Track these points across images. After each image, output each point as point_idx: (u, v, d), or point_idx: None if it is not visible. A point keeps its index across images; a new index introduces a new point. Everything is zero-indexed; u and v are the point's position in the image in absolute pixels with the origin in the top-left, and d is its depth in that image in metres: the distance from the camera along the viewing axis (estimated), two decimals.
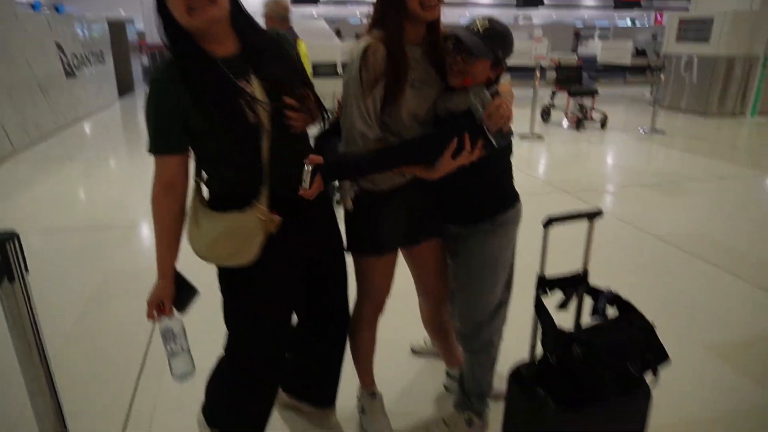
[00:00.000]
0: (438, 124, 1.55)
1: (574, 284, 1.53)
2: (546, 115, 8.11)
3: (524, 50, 8.26)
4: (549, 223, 1.46)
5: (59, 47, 7.47)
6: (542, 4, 13.80)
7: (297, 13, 22.25)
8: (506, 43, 1.49)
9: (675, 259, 3.37)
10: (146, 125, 1.31)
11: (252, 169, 1.32)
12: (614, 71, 11.50)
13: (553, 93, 8.09)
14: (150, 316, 1.40)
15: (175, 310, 1.44)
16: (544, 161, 6.24)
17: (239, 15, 1.33)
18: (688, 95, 9.10)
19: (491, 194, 1.61)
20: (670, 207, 4.45)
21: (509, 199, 1.65)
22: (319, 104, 1.46)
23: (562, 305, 1.54)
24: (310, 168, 1.32)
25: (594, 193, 4.78)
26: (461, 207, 1.62)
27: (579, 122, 7.65)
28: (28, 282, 1.35)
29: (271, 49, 1.38)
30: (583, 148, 6.91)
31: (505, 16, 27.69)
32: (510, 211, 1.63)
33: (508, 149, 1.59)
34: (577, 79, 8.06)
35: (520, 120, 7.33)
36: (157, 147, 1.30)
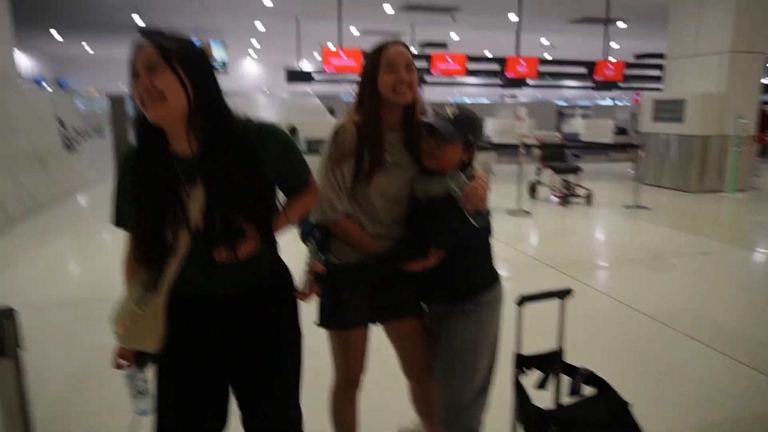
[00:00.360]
0: (416, 206, 1.65)
1: (551, 362, 1.58)
2: (533, 191, 8.36)
3: (508, 129, 8.67)
4: (522, 302, 1.54)
5: (60, 121, 7.74)
6: (526, 84, 14.53)
7: (292, 90, 23.21)
8: (475, 127, 1.62)
9: (661, 334, 3.41)
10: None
11: (158, 269, 1.29)
12: (598, 148, 11.98)
13: (539, 170, 8.39)
14: (115, 365, 1.42)
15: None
16: (531, 237, 6.38)
17: (201, 113, 1.22)
18: (669, 172, 9.45)
19: (472, 274, 1.68)
20: (656, 282, 4.54)
21: (490, 278, 1.71)
22: (265, 226, 1.33)
23: (541, 384, 1.59)
24: (312, 277, 1.41)
25: (580, 267, 4.87)
26: (442, 287, 1.67)
27: (565, 198, 7.89)
28: (21, 359, 1.38)
29: (231, 155, 1.25)
30: (570, 224, 7.09)
31: (491, 94, 28.99)
32: (491, 291, 1.68)
33: (487, 230, 1.68)
34: (560, 156, 8.39)
35: (508, 196, 7.60)
36: (115, 220, 1.36)
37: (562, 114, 16.28)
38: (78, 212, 7.19)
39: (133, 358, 1.42)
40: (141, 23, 15.78)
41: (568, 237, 6.44)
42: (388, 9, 13.81)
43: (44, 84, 22.61)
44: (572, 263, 4.97)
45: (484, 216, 1.54)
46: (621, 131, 15.05)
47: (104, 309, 3.81)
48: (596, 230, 6.80)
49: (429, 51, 15.78)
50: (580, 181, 8.26)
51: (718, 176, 9.09)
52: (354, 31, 16.76)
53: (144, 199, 1.26)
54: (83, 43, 21.61)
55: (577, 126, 14.42)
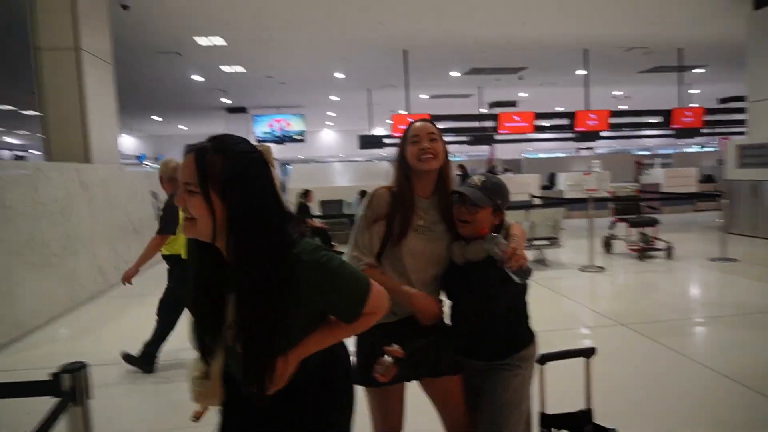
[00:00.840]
0: (453, 270, 1.75)
1: (579, 422, 1.57)
2: (607, 246, 8.05)
3: (580, 182, 8.51)
4: (543, 361, 1.55)
5: (153, 195, 8.57)
6: (599, 137, 14.24)
7: (366, 154, 24.12)
8: (502, 192, 1.75)
9: (748, 401, 3.13)
10: None
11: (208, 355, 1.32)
12: (678, 198, 11.37)
13: (612, 223, 8.10)
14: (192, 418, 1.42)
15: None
16: (603, 293, 6.12)
17: (232, 233, 1.19)
18: (761, 220, 8.78)
19: (514, 332, 1.74)
20: (744, 342, 4.15)
21: (529, 335, 1.76)
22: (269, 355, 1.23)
23: None
24: (392, 360, 1.48)
25: (655, 326, 4.59)
26: (487, 344, 1.73)
27: (642, 252, 7.53)
28: (88, 407, 1.59)
29: (261, 278, 1.18)
30: (646, 279, 6.73)
31: (566, 147, 28.47)
32: (529, 348, 1.73)
33: (524, 289, 1.74)
34: (635, 209, 8.08)
35: (580, 252, 7.37)
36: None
37: (640, 164, 15.66)
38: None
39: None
40: (228, 102, 17.33)
41: (643, 293, 6.10)
42: (455, 74, 14.30)
43: (145, 160, 25.10)
44: (647, 321, 4.70)
45: (526, 272, 1.61)
46: (707, 179, 14.20)
47: (182, 368, 4.08)
48: (676, 285, 6.40)
49: (497, 110, 15.98)
50: (660, 234, 7.87)
51: None
52: (424, 96, 17.41)
53: (196, 292, 1.29)
54: (180, 125, 23.94)
55: (657, 176, 13.79)
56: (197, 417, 1.41)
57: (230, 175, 1.17)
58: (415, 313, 1.71)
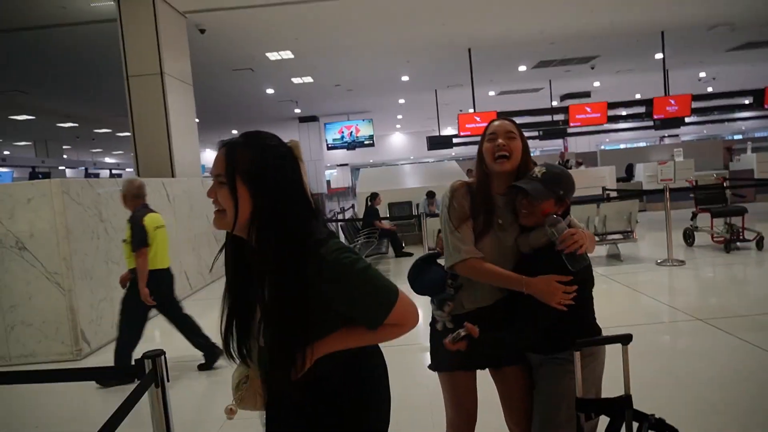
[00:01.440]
0: (521, 260, 1.78)
1: (617, 408, 1.59)
2: (688, 238, 7.62)
3: (654, 174, 8.09)
4: (578, 347, 1.59)
5: None
6: (684, 123, 13.39)
7: (435, 154, 24.14)
8: (563, 183, 1.74)
9: None
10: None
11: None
12: None
13: (694, 214, 7.65)
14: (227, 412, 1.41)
15: None
16: (681, 287, 5.82)
17: (255, 227, 1.23)
18: None
19: (574, 325, 1.70)
20: None
21: (593, 331, 1.74)
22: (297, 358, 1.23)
23: (610, 429, 1.60)
24: (464, 334, 1.59)
25: (737, 321, 4.33)
26: (544, 337, 1.71)
27: (728, 244, 7.06)
28: (167, 389, 1.82)
29: (279, 274, 1.21)
30: (730, 272, 6.33)
31: (648, 137, 26.96)
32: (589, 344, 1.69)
33: (589, 283, 1.74)
34: (719, 198, 7.58)
35: (659, 245, 7.02)
36: None
37: (730, 150, 14.58)
38: None
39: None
40: (299, 112, 18.02)
41: (725, 287, 5.74)
42: (522, 68, 14.04)
43: None
44: (725, 316, 4.44)
45: (579, 260, 1.64)
46: None
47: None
48: (763, 278, 5.96)
49: (568, 102, 15.49)
50: (751, 223, 7.35)
51: None
52: (492, 92, 17.20)
53: (230, 291, 1.35)
54: None
55: (748, 161, 12.80)
56: (230, 414, 1.38)
57: (257, 168, 1.22)
58: (540, 298, 1.66)
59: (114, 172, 27.05)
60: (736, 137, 24.48)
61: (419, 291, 1.89)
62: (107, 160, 29.36)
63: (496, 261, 1.77)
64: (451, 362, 1.85)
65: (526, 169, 1.80)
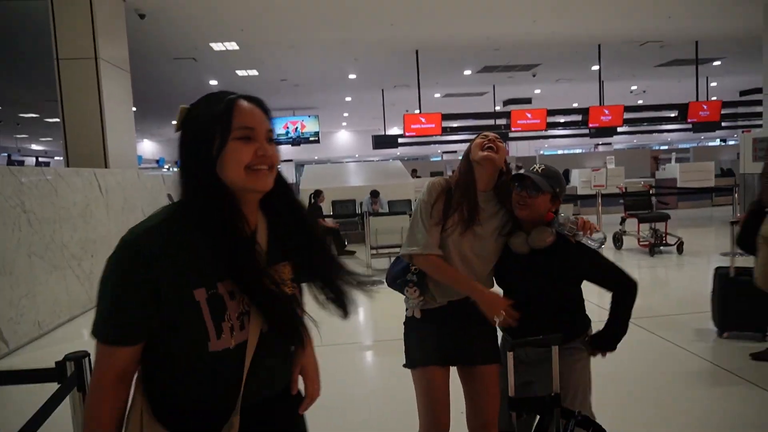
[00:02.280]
0: (511, 260, 1.85)
1: (546, 406, 1.65)
2: (617, 241, 8.03)
3: (588, 180, 8.50)
4: (512, 348, 1.64)
5: (170, 198, 8.82)
6: (616, 133, 14.10)
7: (380, 153, 24.24)
8: (560, 181, 1.85)
9: (747, 391, 3.19)
10: (99, 299, 1.02)
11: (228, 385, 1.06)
12: (695, 192, 11.26)
13: (623, 219, 8.08)
14: None
15: None
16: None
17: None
18: None
19: (573, 317, 1.90)
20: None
21: (587, 321, 1.93)
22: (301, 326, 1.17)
23: (538, 428, 1.66)
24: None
25: (659, 320, 4.62)
26: (547, 331, 1.74)
27: (652, 248, 7.50)
28: None
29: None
30: (654, 274, 6.72)
31: (584, 144, 28.20)
32: (588, 331, 1.91)
33: (579, 279, 1.91)
34: (645, 204, 8.04)
35: None
36: (108, 333, 1.02)
37: (657, 159, 15.49)
38: None
39: None
40: None
41: (650, 289, 6.10)
42: (467, 72, 14.33)
43: (164, 164, 25.59)
44: (650, 315, 4.73)
45: (601, 239, 1.78)
46: (726, 173, 14.00)
47: None
48: (681, 280, 6.38)
49: (511, 108, 15.97)
50: (674, 229, 7.83)
51: None
52: (437, 95, 17.46)
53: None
54: None
55: (672, 171, 13.64)
56: None
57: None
58: (482, 309, 1.75)
59: (41, 159, 25.46)
60: (662, 147, 26.03)
61: (389, 283, 1.92)
62: (34, 146, 27.60)
63: (474, 257, 1.81)
64: (427, 357, 1.85)
65: (508, 174, 1.87)
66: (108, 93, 7.09)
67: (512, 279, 1.87)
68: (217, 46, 10.43)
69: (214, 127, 1.04)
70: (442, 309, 1.83)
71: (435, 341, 1.83)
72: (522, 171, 1.80)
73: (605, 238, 1.80)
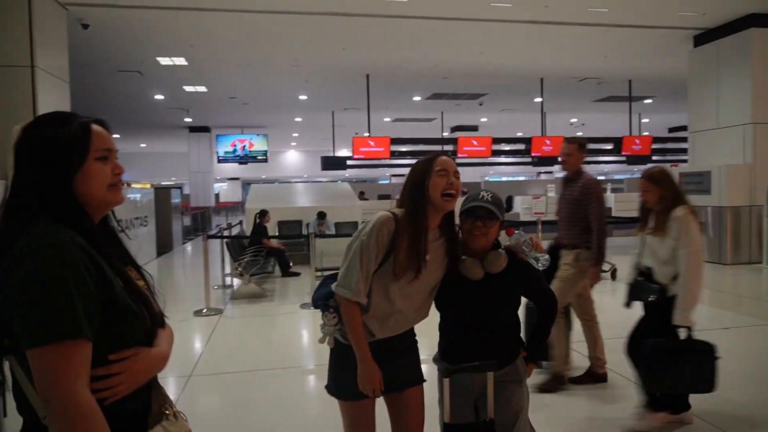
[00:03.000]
0: (458, 286, 1.86)
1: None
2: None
3: (529, 206, 8.83)
4: (448, 374, 1.67)
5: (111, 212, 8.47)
6: (557, 162, 14.71)
7: (328, 174, 24.25)
8: (503, 206, 1.94)
9: None
10: (46, 304, 0.98)
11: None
12: (627, 222, 11.84)
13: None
14: None
15: None
16: None
17: None
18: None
19: (515, 339, 1.95)
20: None
21: (521, 343, 1.97)
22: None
23: None
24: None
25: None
26: (494, 355, 1.79)
27: None
28: (4, 424, 1.62)
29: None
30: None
31: (528, 171, 29.24)
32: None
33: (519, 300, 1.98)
34: None
35: None
36: (79, 328, 1.00)
37: None
38: None
39: None
40: (190, 121, 17.25)
41: None
42: (417, 98, 14.65)
43: None
44: (584, 340, 4.90)
45: (545, 259, 1.88)
46: None
47: None
48: (613, 306, 6.66)
49: (458, 134, 16.41)
50: (608, 257, 8.18)
51: (758, 247, 8.82)
52: (387, 119, 17.71)
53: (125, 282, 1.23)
54: (140, 143, 23.57)
55: (608, 200, 14.35)
56: None
57: None
58: (359, 377, 1.75)
59: None
60: (599, 178, 27.35)
61: (314, 303, 1.90)
62: None
63: (415, 297, 1.82)
64: (355, 391, 1.80)
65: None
66: (44, 103, 6.78)
67: (461, 304, 1.88)
68: (164, 61, 10.22)
69: (71, 148, 1.11)
70: (378, 341, 1.80)
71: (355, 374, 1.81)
72: (473, 203, 1.84)
73: (548, 260, 1.91)
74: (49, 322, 0.97)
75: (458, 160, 14.95)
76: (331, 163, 15.18)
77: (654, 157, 15.47)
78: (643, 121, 18.78)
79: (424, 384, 1.92)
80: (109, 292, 1.07)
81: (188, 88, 12.57)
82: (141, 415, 1.12)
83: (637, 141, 13.84)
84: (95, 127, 1.17)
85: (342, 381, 1.83)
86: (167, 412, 1.16)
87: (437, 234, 1.84)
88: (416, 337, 1.96)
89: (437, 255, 1.82)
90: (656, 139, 14.60)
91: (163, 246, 12.29)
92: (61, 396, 0.96)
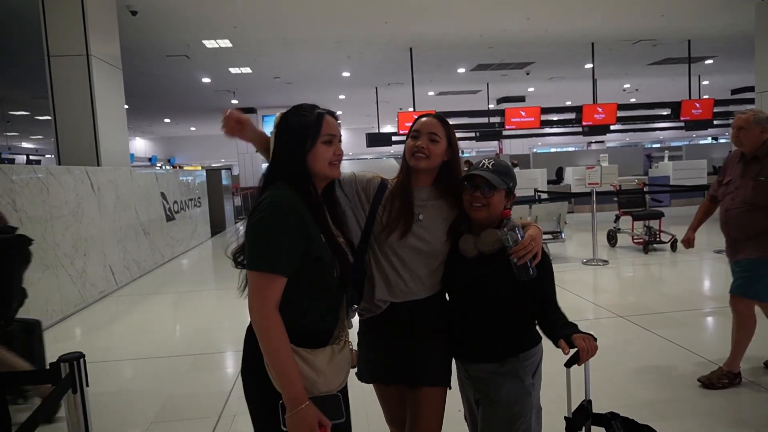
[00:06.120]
0: (461, 264, 1.71)
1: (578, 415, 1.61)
2: (612, 239, 8.05)
3: (582, 177, 8.52)
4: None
5: (163, 196, 8.74)
6: (609, 131, 14.13)
7: (374, 151, 24.18)
8: (512, 176, 1.71)
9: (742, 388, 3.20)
10: (261, 242, 1.36)
11: (336, 306, 1.52)
12: (688, 190, 11.28)
13: (617, 217, 8.10)
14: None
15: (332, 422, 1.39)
16: (604, 286, 6.15)
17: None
18: None
19: (520, 331, 1.69)
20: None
21: (537, 337, 1.71)
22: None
23: None
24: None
25: (653, 318, 4.63)
26: (493, 345, 1.68)
27: (646, 245, 7.53)
28: (87, 394, 1.70)
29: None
30: (648, 272, 6.75)
31: (577, 142, 28.28)
32: (533, 349, 1.70)
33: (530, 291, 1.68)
34: (639, 202, 8.07)
35: (585, 245, 7.39)
36: (278, 266, 1.35)
37: (650, 157, 15.54)
38: (174, 275, 7.99)
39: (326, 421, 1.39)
40: (237, 103, 17.53)
41: (645, 285, 6.12)
42: (461, 70, 14.32)
43: (156, 162, 25.39)
44: (643, 313, 4.74)
45: (525, 270, 1.57)
46: (717, 171, 14.06)
47: (186, 361, 4.19)
48: (676, 278, 6.41)
49: (504, 106, 15.98)
50: (668, 227, 7.86)
51: None
52: (431, 92, 17.43)
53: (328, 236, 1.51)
54: (190, 126, 24.18)
55: (664, 168, 13.70)
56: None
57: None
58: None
59: (32, 157, 25.20)
60: (655, 146, 26.15)
61: None
62: (24, 144, 27.33)
63: (416, 260, 1.70)
64: (369, 374, 1.80)
65: (450, 168, 1.76)
66: (100, 90, 7.02)
67: (455, 284, 1.75)
68: (210, 44, 10.35)
69: (307, 133, 1.48)
70: (385, 313, 1.73)
71: (374, 356, 1.77)
72: (472, 171, 1.66)
73: (533, 277, 1.58)
74: (260, 256, 1.36)
75: (506, 132, 14.60)
76: (377, 139, 15.12)
77: (715, 122, 14.61)
78: (703, 83, 17.71)
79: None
80: (307, 244, 1.40)
81: (233, 70, 12.72)
82: (326, 334, 1.48)
83: (697, 105, 13.06)
84: (327, 117, 1.51)
85: (358, 363, 1.78)
86: (342, 339, 1.50)
87: (434, 193, 1.75)
88: (442, 331, 1.76)
89: (434, 217, 1.72)
90: (717, 102, 13.72)
91: (217, 226, 12.61)
92: (255, 310, 1.35)
